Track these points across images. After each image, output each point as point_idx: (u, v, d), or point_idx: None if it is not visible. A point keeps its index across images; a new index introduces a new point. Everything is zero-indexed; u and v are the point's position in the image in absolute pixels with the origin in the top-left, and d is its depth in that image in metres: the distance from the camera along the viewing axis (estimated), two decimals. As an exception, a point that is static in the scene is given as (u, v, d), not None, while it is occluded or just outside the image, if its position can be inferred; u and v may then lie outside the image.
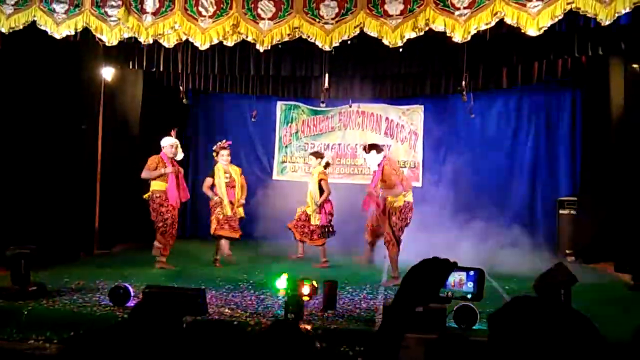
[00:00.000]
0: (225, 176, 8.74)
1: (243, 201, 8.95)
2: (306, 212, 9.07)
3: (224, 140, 9.06)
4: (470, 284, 1.57)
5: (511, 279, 7.44)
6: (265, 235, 10.36)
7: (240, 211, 8.90)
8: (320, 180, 8.99)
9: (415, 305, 1.47)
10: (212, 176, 8.78)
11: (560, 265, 5.66)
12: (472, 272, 1.58)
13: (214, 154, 8.92)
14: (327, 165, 9.26)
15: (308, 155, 9.43)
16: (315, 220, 8.91)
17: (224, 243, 8.75)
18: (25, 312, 5.42)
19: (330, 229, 8.93)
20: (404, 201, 7.57)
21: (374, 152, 7.81)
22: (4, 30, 7.12)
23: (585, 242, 9.50)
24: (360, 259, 8.79)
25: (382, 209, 7.79)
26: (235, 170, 8.90)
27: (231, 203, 8.69)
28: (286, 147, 12.01)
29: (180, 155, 8.48)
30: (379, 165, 7.73)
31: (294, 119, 12.02)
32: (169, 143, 8.30)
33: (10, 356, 4.94)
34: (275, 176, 11.88)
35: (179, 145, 8.45)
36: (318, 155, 9.41)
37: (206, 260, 8.77)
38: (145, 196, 8.29)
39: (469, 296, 1.58)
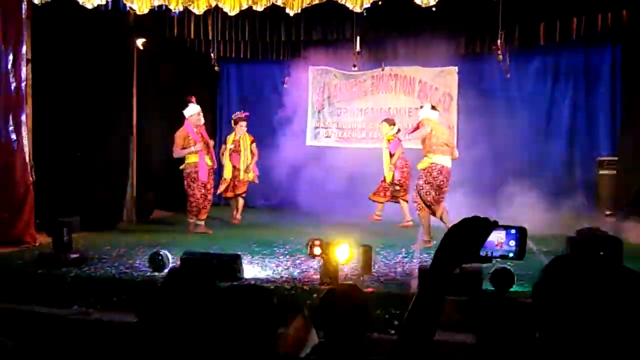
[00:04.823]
0: (232, 143, 9.29)
1: (252, 166, 9.41)
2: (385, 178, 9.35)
3: (241, 112, 9.66)
4: (512, 243, 1.52)
5: (549, 240, 7.34)
6: (299, 200, 10.40)
7: (250, 175, 9.39)
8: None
9: (456, 265, 1.45)
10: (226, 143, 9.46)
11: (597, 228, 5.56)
12: (513, 231, 1.52)
13: (233, 122, 9.47)
14: (398, 131, 9.48)
15: (380, 122, 9.69)
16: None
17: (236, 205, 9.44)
18: (69, 279, 5.56)
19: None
20: (429, 163, 7.44)
21: (428, 106, 7.78)
22: (36, 1, 7.17)
23: (625, 201, 9.28)
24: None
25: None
26: (244, 139, 9.31)
27: (235, 168, 9.25)
28: (319, 112, 11.95)
29: (200, 121, 8.43)
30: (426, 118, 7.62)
31: (326, 84, 11.93)
32: (196, 111, 8.25)
33: (55, 322, 5.10)
34: (308, 142, 11.85)
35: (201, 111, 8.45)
36: (391, 122, 9.58)
37: (243, 226, 8.97)
38: (182, 167, 8.38)
39: (511, 255, 1.52)
